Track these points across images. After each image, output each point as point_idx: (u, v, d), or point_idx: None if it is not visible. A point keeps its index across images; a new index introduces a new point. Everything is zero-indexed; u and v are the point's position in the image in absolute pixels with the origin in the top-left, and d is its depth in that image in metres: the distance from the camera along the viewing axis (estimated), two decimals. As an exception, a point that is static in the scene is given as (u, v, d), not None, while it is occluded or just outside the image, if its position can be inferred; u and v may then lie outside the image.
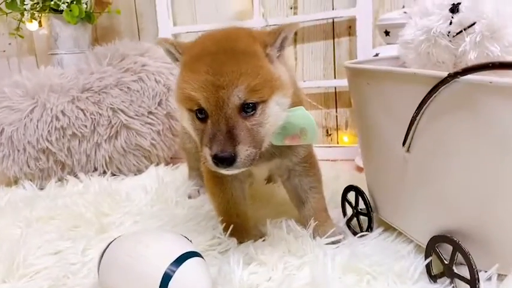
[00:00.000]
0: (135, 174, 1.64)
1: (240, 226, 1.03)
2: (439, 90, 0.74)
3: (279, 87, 0.81)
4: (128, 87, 1.62)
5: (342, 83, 1.74)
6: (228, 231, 1.01)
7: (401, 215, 0.93)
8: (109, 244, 0.84)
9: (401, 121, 0.84)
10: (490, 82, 0.66)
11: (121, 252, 0.80)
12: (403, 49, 1.07)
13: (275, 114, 0.82)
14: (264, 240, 1.01)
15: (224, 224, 1.03)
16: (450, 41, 0.94)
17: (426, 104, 0.77)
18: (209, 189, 1.07)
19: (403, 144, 0.85)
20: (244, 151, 0.78)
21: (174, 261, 0.75)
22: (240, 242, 1.00)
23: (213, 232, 1.04)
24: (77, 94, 1.59)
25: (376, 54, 1.43)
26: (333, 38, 1.74)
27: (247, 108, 0.79)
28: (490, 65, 0.66)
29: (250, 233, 1.04)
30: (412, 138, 0.83)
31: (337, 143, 1.82)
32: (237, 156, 0.77)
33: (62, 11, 1.71)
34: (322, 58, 1.77)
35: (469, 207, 0.75)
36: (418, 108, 0.79)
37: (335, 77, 1.77)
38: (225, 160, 0.77)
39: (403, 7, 1.64)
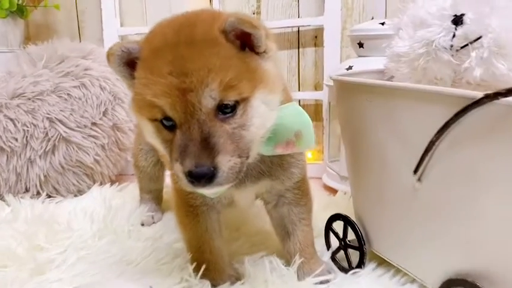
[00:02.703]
0: (75, 196, 1.42)
1: (213, 265, 0.88)
2: (469, 112, 0.63)
3: (262, 81, 0.67)
4: (68, 94, 1.41)
5: (307, 95, 1.64)
6: (200, 272, 0.85)
7: (404, 251, 0.82)
8: None
9: (412, 145, 0.74)
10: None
11: None
12: (393, 62, 0.98)
13: (261, 114, 0.68)
14: (242, 283, 0.85)
15: (195, 264, 0.86)
16: (452, 55, 0.86)
17: (450, 128, 0.66)
18: (179, 219, 0.91)
19: (415, 172, 0.74)
20: (226, 162, 0.63)
21: None
22: (214, 285, 0.85)
23: (181, 273, 0.87)
24: (5, 101, 1.36)
25: (350, 67, 1.33)
26: (298, 48, 1.63)
27: (225, 109, 0.65)
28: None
29: (225, 273, 0.88)
30: (426, 165, 0.72)
31: (300, 159, 1.70)
32: (218, 169, 0.63)
33: (-12, 2, 1.46)
34: (285, 69, 1.65)
35: (502, 248, 0.65)
36: (439, 132, 0.68)
37: (299, 89, 1.66)
38: (203, 176, 0.62)
39: (372, 18, 1.56)
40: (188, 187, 0.65)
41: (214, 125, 0.64)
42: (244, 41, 0.67)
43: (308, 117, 0.76)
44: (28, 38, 1.78)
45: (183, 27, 0.66)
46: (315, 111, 1.66)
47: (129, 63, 0.70)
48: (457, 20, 0.85)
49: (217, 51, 0.64)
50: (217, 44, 0.64)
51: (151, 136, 0.71)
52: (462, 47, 0.84)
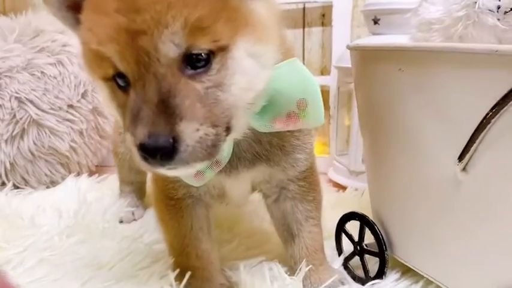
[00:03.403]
0: (48, 187, 1.27)
1: (200, 272, 0.73)
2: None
3: (248, 24, 0.50)
4: (42, 72, 1.27)
5: (312, 81, 1.47)
6: (184, 281, 0.70)
7: (438, 259, 0.67)
8: None
9: (457, 124, 0.60)
10: None
11: None
12: (422, 32, 0.84)
13: (246, 69, 0.51)
14: (237, 294, 0.70)
15: (177, 270, 0.71)
16: (499, 19, 0.72)
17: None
18: (158, 214, 0.77)
19: (460, 159, 0.58)
20: (192, 132, 0.47)
21: None
22: None
23: (161, 282, 0.71)
24: (-32, 77, 1.19)
25: (363, 46, 1.17)
26: (303, 27, 1.48)
27: (196, 61, 0.48)
28: None
29: (215, 282, 0.74)
30: (475, 150, 0.56)
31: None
32: (180, 141, 0.47)
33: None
34: (288, 51, 1.50)
35: None
36: (497, 105, 0.52)
37: (303, 74, 1.50)
38: (159, 150, 0.46)
39: (387, -5, 1.41)
40: (142, 166, 0.49)
41: (178, 81, 0.48)
42: None
43: (315, 80, 0.59)
44: (3, 12, 1.62)
45: None
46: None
47: (74, 5, 0.53)
48: (507, -24, 0.71)
49: None
50: None
51: (107, 101, 0.55)
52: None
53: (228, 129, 0.52)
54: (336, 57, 1.36)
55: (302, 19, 1.49)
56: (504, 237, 0.57)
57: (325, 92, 1.49)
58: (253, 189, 0.76)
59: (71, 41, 1.32)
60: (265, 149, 0.66)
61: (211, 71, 0.49)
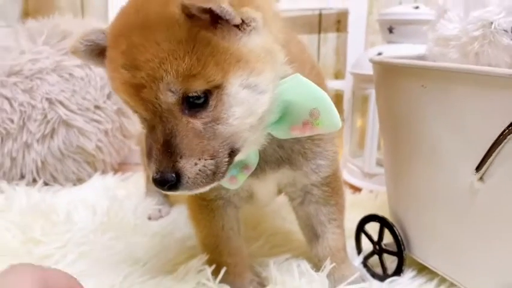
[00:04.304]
0: (74, 185, 1.31)
1: (232, 268, 0.78)
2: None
3: (239, 61, 0.54)
4: (70, 74, 1.30)
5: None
6: (220, 275, 0.75)
7: (454, 259, 0.72)
8: None
9: (475, 138, 0.64)
10: None
11: None
12: (439, 46, 0.87)
13: (243, 101, 0.55)
14: (267, 290, 0.75)
15: (214, 266, 0.76)
16: (512, 39, 0.76)
17: (529, 119, 0.56)
18: (191, 214, 0.82)
19: (477, 169, 0.63)
20: (190, 167, 0.54)
21: None
22: None
23: (198, 277, 0.76)
24: (1, 78, 1.24)
25: (379, 54, 1.22)
26: (319, 33, 1.53)
27: (194, 102, 0.54)
28: None
29: (246, 277, 0.79)
30: (492, 162, 0.62)
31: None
32: (181, 175, 0.54)
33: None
34: (303, 55, 1.54)
35: None
36: (511, 125, 0.57)
37: (318, 78, 1.55)
38: (165, 183, 0.54)
39: (400, 3, 1.45)
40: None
41: (179, 122, 0.54)
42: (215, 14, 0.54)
43: (322, 91, 0.61)
44: (27, 13, 1.66)
45: (144, 4, 0.55)
46: (334, 102, 1.55)
47: (100, 52, 0.60)
48: (521, -1, 0.75)
49: (171, 34, 0.52)
50: (172, 24, 0.52)
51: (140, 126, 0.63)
52: (526, 30, 0.74)
53: (233, 152, 0.58)
54: (350, 62, 1.40)
55: (318, 25, 1.53)
56: None
57: (339, 96, 1.54)
58: (279, 192, 0.81)
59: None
60: (287, 154, 0.70)
61: (209, 107, 0.54)
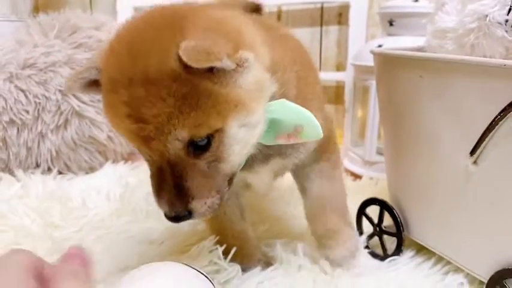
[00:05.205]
0: (87, 173, 1.35)
1: (239, 250, 0.82)
2: (545, 89, 0.57)
3: (237, 106, 0.57)
4: (81, 67, 1.32)
5: (328, 76, 1.57)
6: (230, 255, 0.80)
7: (450, 239, 0.77)
8: None
9: (470, 124, 0.68)
10: None
11: None
12: (437, 39, 0.91)
13: (241, 138, 0.59)
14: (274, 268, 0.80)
15: (225, 246, 0.81)
16: (507, 31, 0.80)
17: (518, 106, 0.60)
18: None
19: (471, 153, 0.68)
20: (201, 206, 0.59)
21: None
22: (243, 269, 0.80)
23: (210, 255, 0.81)
24: (16, 71, 1.28)
25: (380, 46, 1.26)
26: (321, 26, 1.57)
27: (198, 144, 0.57)
28: None
29: (253, 257, 0.84)
30: (485, 147, 0.67)
31: (318, 143, 1.64)
32: (194, 213, 0.59)
33: (-3, -33, 1.38)
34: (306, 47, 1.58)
35: None
36: (504, 110, 0.62)
37: (320, 70, 1.59)
38: (179, 220, 0.59)
39: (400, -4, 1.49)
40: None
41: (187, 164, 0.57)
42: None
43: (305, 110, 0.64)
44: (37, 8, 1.70)
45: (139, 54, 0.54)
46: (335, 93, 1.60)
47: (94, 83, 0.61)
48: (515, -7, 0.79)
49: (175, 89, 0.52)
50: (175, 79, 0.52)
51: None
52: (518, 22, 0.78)
53: (231, 179, 0.62)
54: (352, 54, 1.45)
55: (320, 18, 1.57)
56: (508, 219, 0.66)
57: (340, 87, 1.59)
58: (276, 176, 0.82)
59: (106, 38, 1.41)
60: (275, 149, 0.71)
61: (212, 148, 0.57)
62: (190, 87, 0.52)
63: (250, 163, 0.69)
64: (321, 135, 0.64)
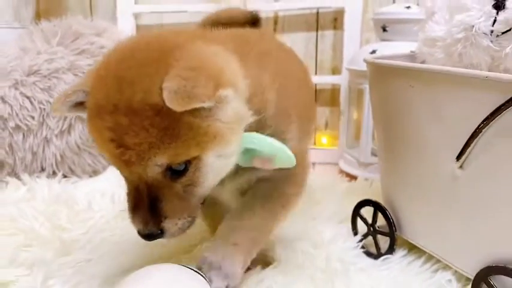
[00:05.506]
0: (90, 176, 1.39)
1: None
2: (523, 99, 0.62)
3: (216, 137, 0.60)
4: (84, 73, 1.36)
5: (323, 79, 1.61)
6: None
7: (439, 238, 0.81)
8: None
9: (456, 131, 0.72)
10: None
11: None
12: (427, 47, 0.96)
13: (216, 167, 0.64)
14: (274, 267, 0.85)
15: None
16: (492, 41, 0.84)
17: (500, 114, 0.65)
18: None
19: (457, 158, 0.73)
20: (173, 225, 0.63)
21: None
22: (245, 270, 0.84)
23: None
24: (21, 78, 1.32)
25: (373, 51, 1.31)
26: (317, 30, 1.61)
27: (176, 169, 0.61)
28: None
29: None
30: (470, 152, 0.71)
31: (314, 144, 1.68)
32: (165, 232, 0.63)
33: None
34: (302, 52, 1.62)
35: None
36: (487, 119, 0.67)
37: (316, 73, 1.64)
38: (151, 237, 0.64)
39: (394, 2, 1.54)
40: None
41: (163, 186, 0.61)
42: None
43: (276, 142, 0.68)
44: (38, 14, 1.73)
45: (125, 83, 0.57)
46: (331, 95, 1.64)
47: (81, 103, 0.64)
48: (499, 5, 0.83)
49: (158, 121, 0.56)
50: (158, 112, 0.56)
51: None
52: (503, 33, 0.81)
53: (198, 209, 0.66)
54: (347, 59, 1.49)
55: (316, 23, 1.61)
56: (493, 220, 0.70)
57: (335, 90, 1.63)
58: (244, 191, 0.80)
59: (107, 44, 1.44)
60: (244, 168, 0.73)
61: (188, 173, 0.61)
62: (171, 120, 0.56)
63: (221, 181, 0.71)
64: (294, 163, 0.69)
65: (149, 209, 0.61)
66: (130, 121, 0.56)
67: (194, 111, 0.57)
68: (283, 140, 0.71)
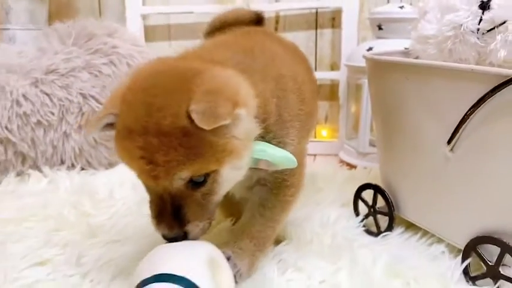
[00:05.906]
0: (106, 168, 1.48)
1: None
2: (504, 88, 0.71)
3: (232, 153, 0.67)
4: (99, 71, 1.45)
5: (323, 75, 1.70)
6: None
7: (433, 214, 0.91)
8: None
9: (446, 118, 0.81)
10: None
11: None
12: (420, 44, 1.04)
13: (231, 178, 0.72)
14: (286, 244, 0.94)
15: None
16: (478, 38, 0.93)
17: (484, 102, 0.74)
18: None
19: (448, 142, 0.82)
20: (195, 227, 0.71)
21: None
22: None
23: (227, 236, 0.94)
24: (40, 76, 1.40)
25: (370, 48, 1.40)
26: (316, 29, 1.70)
27: (198, 180, 0.68)
28: None
29: None
30: (459, 137, 0.81)
31: (315, 137, 1.78)
32: (189, 234, 0.71)
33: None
34: (302, 49, 1.70)
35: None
36: (473, 107, 0.76)
37: (316, 69, 1.73)
38: (176, 240, 0.71)
39: (388, 2, 1.63)
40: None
41: (185, 195, 0.68)
42: None
43: (280, 151, 0.76)
44: (50, 16, 1.81)
45: (153, 109, 0.64)
46: (330, 90, 1.73)
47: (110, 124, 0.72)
48: (484, 6, 0.92)
49: (185, 141, 0.63)
50: (185, 133, 0.63)
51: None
52: (488, 31, 0.89)
53: (214, 213, 0.74)
54: (345, 55, 1.58)
55: (315, 22, 1.70)
56: (480, 196, 0.78)
57: (334, 85, 1.72)
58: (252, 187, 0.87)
59: (118, 44, 1.52)
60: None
61: (207, 184, 0.69)
62: (196, 139, 0.63)
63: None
64: (296, 164, 0.77)
65: (173, 215, 0.69)
66: (160, 141, 0.62)
67: (215, 130, 0.63)
68: (283, 143, 0.81)
